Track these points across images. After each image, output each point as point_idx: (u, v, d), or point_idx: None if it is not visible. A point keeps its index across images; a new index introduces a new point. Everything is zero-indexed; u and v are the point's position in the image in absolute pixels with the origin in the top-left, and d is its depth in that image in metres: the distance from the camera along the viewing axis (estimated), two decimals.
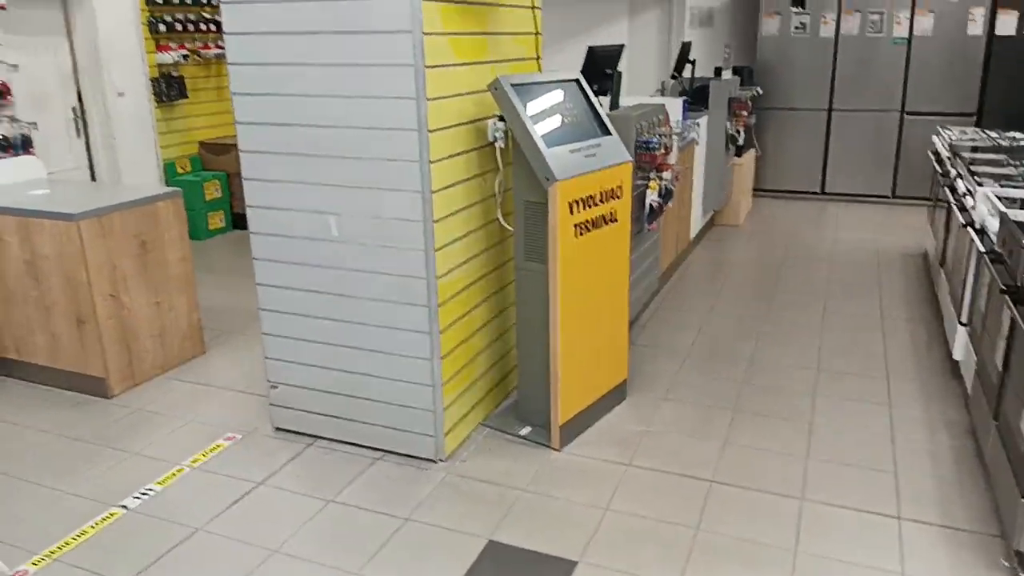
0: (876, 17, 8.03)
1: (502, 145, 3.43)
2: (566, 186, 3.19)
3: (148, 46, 6.89)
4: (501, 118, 3.32)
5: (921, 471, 3.28)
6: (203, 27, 7.31)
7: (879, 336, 4.74)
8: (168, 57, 7.02)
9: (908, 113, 8.15)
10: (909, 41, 7.98)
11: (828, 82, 8.33)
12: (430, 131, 3.02)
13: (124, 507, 3.12)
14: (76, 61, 6.55)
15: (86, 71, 6.57)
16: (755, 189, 8.62)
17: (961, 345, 3.96)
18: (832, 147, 8.49)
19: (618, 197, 3.54)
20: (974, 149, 5.15)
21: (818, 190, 8.65)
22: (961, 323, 3.95)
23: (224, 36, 3.25)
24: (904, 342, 4.64)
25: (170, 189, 4.39)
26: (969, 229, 3.76)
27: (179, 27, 7.08)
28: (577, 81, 3.64)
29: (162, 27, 6.94)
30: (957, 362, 4.08)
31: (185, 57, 7.15)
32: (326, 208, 3.25)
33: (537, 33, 3.84)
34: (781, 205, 8.42)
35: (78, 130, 6.63)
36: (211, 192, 7.19)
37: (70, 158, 6.57)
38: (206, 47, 7.40)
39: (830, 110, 8.40)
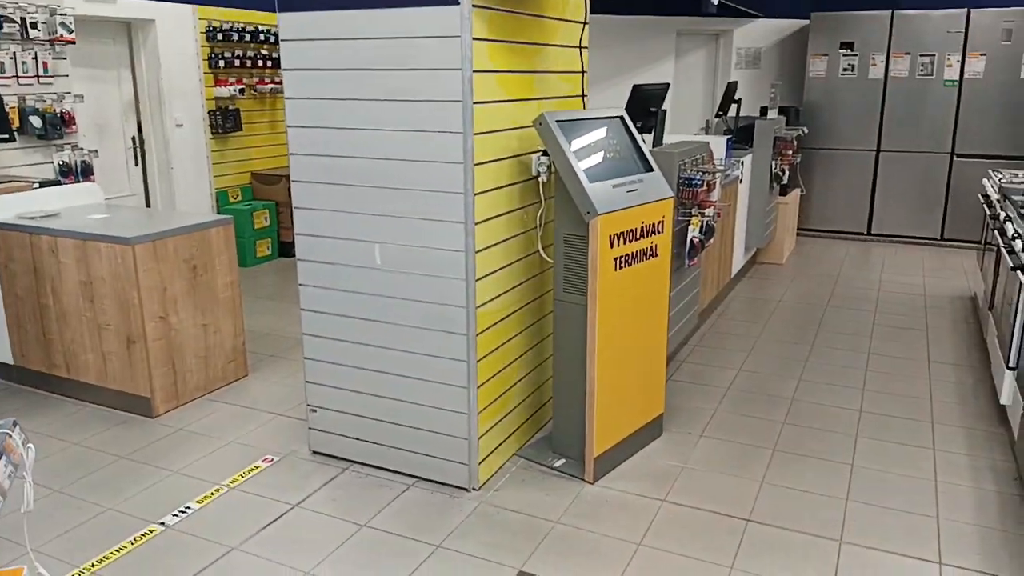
0: (926, 59, 7.97)
1: (545, 179, 3.48)
2: (607, 220, 3.22)
3: (207, 80, 7.16)
4: (545, 153, 3.38)
5: (964, 517, 3.19)
6: (259, 63, 7.57)
7: (925, 380, 4.64)
8: (225, 91, 7.28)
9: (958, 155, 8.04)
10: (960, 83, 7.90)
11: (876, 123, 8.27)
12: (475, 164, 3.09)
13: (163, 524, 3.18)
14: (138, 93, 6.84)
15: (147, 103, 6.85)
16: (800, 228, 8.55)
17: (1008, 390, 3.85)
18: (879, 188, 8.40)
19: (659, 232, 3.56)
20: None
21: (864, 231, 8.54)
22: (1009, 368, 3.86)
23: (282, 72, 3.37)
24: (950, 386, 4.54)
25: (222, 217, 4.53)
26: (1019, 273, 3.68)
27: (237, 63, 7.35)
28: (621, 118, 3.69)
29: (221, 63, 7.21)
30: (1004, 407, 3.98)
31: (241, 91, 7.41)
32: (371, 237, 3.32)
33: (583, 72, 3.91)
34: (826, 245, 8.33)
35: (136, 158, 6.89)
36: (260, 221, 7.38)
37: (128, 185, 6.82)
38: (262, 82, 7.66)
39: (878, 151, 8.33)
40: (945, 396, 4.40)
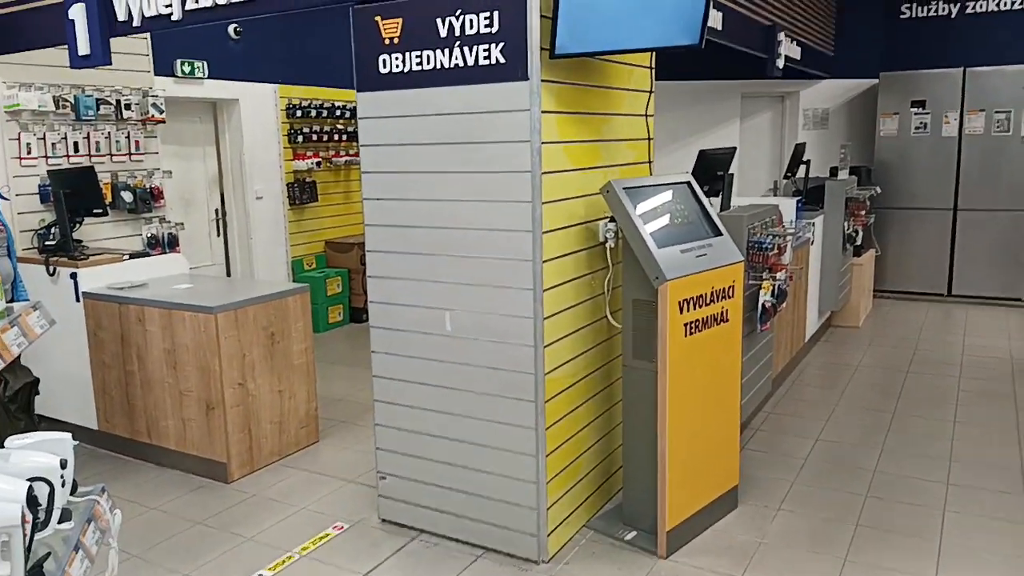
0: (1002, 116, 7.79)
1: (612, 245, 3.50)
2: (676, 285, 3.20)
3: (286, 154, 7.48)
4: (612, 219, 3.41)
5: None
6: (335, 137, 7.88)
7: (1015, 449, 4.39)
8: (303, 164, 7.58)
9: None
10: None
11: (952, 181, 8.07)
12: (544, 232, 3.13)
13: None
14: (222, 168, 7.19)
15: (230, 177, 7.19)
16: (876, 290, 8.31)
17: None
18: (959, 247, 8.14)
19: (729, 297, 3.51)
20: None
21: (944, 292, 8.26)
22: None
23: (360, 147, 3.50)
24: None
25: (299, 285, 4.68)
26: None
27: (314, 137, 7.67)
28: (688, 183, 3.70)
29: (299, 138, 7.53)
30: None
31: (318, 164, 7.70)
32: (442, 304, 3.38)
33: (650, 139, 3.96)
34: (904, 306, 8.07)
35: (219, 230, 7.20)
36: (333, 288, 7.58)
37: (210, 255, 7.11)
38: (337, 155, 7.95)
39: (956, 209, 8.11)
40: None
